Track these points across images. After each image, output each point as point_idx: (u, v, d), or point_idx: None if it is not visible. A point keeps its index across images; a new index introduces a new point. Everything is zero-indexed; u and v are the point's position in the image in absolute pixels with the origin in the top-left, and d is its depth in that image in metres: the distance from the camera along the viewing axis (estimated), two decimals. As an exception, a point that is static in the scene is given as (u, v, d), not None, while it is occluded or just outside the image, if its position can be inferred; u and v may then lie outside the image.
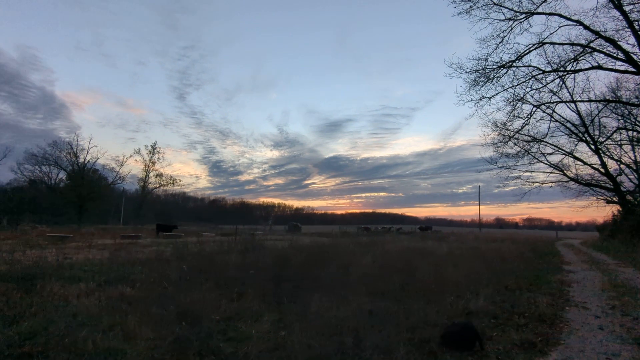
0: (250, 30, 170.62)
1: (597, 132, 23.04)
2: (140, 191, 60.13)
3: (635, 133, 22.79)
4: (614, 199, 26.41)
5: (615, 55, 14.44)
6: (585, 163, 24.02)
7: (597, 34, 14.34)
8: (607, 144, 23.54)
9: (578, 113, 22.57)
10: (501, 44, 15.23)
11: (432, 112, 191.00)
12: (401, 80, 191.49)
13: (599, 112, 22.12)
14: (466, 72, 16.17)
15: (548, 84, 16.91)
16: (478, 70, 15.91)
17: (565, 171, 24.63)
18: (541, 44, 15.37)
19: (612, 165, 24.26)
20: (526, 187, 24.79)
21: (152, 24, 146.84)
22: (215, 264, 9.17)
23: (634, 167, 24.64)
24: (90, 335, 3.91)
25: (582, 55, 15.09)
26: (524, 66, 16.12)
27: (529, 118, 19.12)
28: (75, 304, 5.46)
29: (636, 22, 13.61)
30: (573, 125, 23.12)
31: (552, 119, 21.48)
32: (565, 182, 25.20)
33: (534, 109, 18.81)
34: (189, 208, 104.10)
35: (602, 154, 23.26)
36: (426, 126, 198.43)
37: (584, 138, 23.10)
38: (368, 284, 7.46)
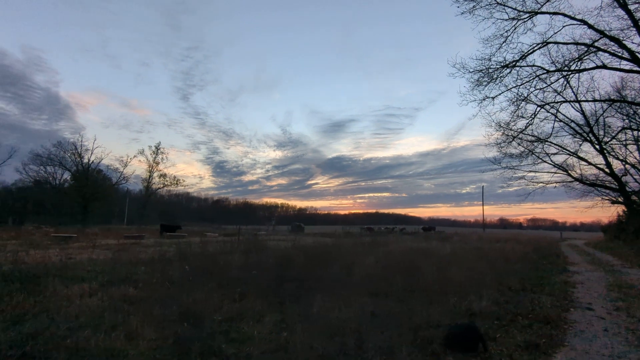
0: (253, 30, 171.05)
1: (601, 132, 22.87)
2: (144, 191, 60.24)
3: (640, 133, 22.66)
4: (619, 199, 26.24)
5: (620, 54, 14.33)
6: (589, 163, 23.87)
7: (602, 33, 14.24)
8: (612, 144, 23.37)
9: (582, 113, 22.43)
10: (505, 43, 15.16)
11: (436, 112, 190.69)
12: (404, 80, 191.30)
13: (604, 111, 21.95)
14: (469, 72, 16.11)
15: (552, 83, 16.82)
16: (481, 70, 15.85)
17: (569, 171, 24.47)
18: (545, 43, 15.29)
19: (617, 165, 24.09)
20: (530, 187, 24.65)
21: (156, 25, 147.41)
22: (218, 265, 9.17)
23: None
24: (92, 336, 3.92)
25: (587, 55, 14.98)
26: (527, 66, 16.04)
27: (533, 118, 19.01)
28: (78, 304, 5.46)
29: (641, 21, 13.52)
30: (577, 125, 22.98)
31: (557, 119, 21.32)
32: (570, 182, 25.03)
33: (538, 108, 18.71)
34: (192, 208, 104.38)
35: (606, 154, 23.09)
36: (429, 126, 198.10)
37: (588, 138, 22.94)
38: (371, 285, 7.44)
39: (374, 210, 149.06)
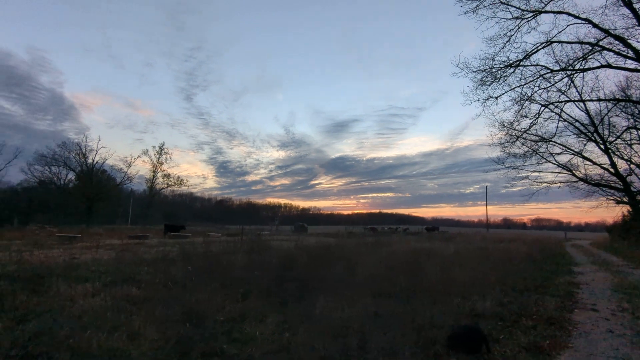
0: (255, 30, 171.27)
1: (606, 132, 22.69)
2: (148, 191, 60.44)
3: (645, 132, 22.47)
4: (624, 199, 26.03)
5: (625, 53, 14.21)
6: (594, 163, 23.67)
7: (607, 32, 14.13)
8: (616, 143, 23.17)
9: (587, 112, 22.27)
10: (508, 43, 15.06)
11: (439, 112, 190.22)
12: (407, 80, 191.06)
13: (609, 111, 21.78)
14: (473, 71, 16.00)
15: (556, 83, 16.67)
16: (485, 70, 15.74)
17: (574, 171, 24.28)
18: (549, 42, 15.18)
19: (622, 165, 23.88)
20: (534, 187, 24.44)
21: (159, 25, 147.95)
22: (221, 265, 9.17)
23: (645, 167, 24.27)
24: (94, 336, 3.92)
25: (591, 54, 14.86)
26: (531, 65, 15.92)
27: (537, 118, 18.85)
28: (81, 304, 5.47)
29: (646, 20, 13.41)
30: (582, 124, 22.81)
31: (561, 119, 21.18)
32: (574, 182, 24.83)
33: (542, 108, 18.55)
34: (196, 208, 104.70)
35: (611, 154, 22.91)
36: (433, 126, 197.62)
37: (593, 138, 22.78)
38: (374, 285, 7.42)
39: (377, 211, 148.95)
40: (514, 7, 14.53)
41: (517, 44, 15.76)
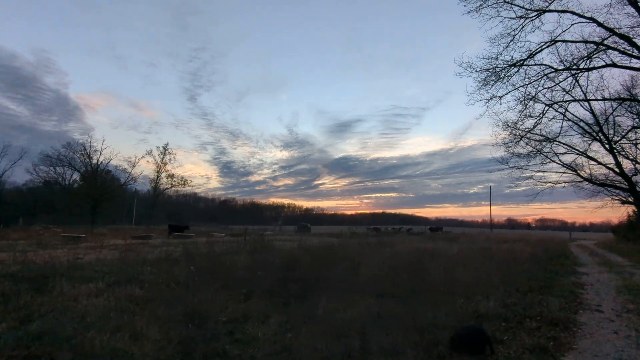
0: (258, 30, 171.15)
1: (611, 131, 22.56)
2: (152, 192, 60.61)
3: (651, 132, 22.31)
4: (629, 199, 25.88)
5: (630, 52, 14.13)
6: (599, 163, 23.55)
7: (611, 31, 14.05)
8: (621, 143, 23.03)
9: (592, 112, 22.13)
10: (512, 42, 15.03)
11: (443, 111, 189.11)
12: (411, 80, 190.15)
13: (614, 110, 21.64)
14: (476, 71, 15.99)
15: (560, 82, 16.64)
16: (488, 69, 15.72)
17: (578, 171, 24.17)
18: (553, 42, 15.12)
19: (627, 165, 23.74)
20: (538, 187, 24.37)
21: (163, 26, 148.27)
22: (224, 265, 9.18)
23: (650, 167, 24.11)
24: (97, 336, 3.93)
25: (596, 53, 14.80)
26: (535, 65, 15.89)
27: (541, 117, 18.83)
28: (84, 304, 5.49)
29: (652, 19, 13.33)
30: (586, 124, 22.68)
31: (565, 118, 21.07)
32: (579, 182, 24.73)
33: (546, 108, 18.52)
34: (200, 208, 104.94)
35: (616, 154, 22.77)
36: (436, 126, 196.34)
37: (597, 137, 22.64)
38: (377, 285, 7.39)
39: (380, 211, 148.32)
40: (518, 6, 14.50)
41: (521, 43, 15.65)
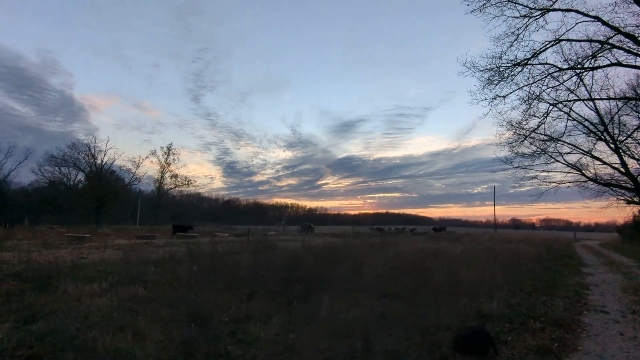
0: (261, 30, 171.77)
1: (616, 131, 22.35)
2: (156, 192, 60.78)
3: (656, 131, 22.09)
4: (635, 199, 25.66)
5: (635, 51, 13.99)
6: (604, 162, 23.34)
7: (617, 29, 13.92)
8: (627, 142, 22.81)
9: (596, 111, 21.94)
10: (516, 41, 14.89)
11: (446, 111, 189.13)
12: (414, 80, 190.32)
13: (619, 110, 21.44)
14: (480, 70, 15.86)
15: (565, 81, 16.49)
16: (492, 69, 15.59)
17: (583, 171, 23.96)
18: (557, 41, 14.99)
19: (632, 164, 23.52)
20: (543, 187, 24.15)
21: (166, 27, 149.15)
22: (227, 265, 9.19)
23: (656, 167, 23.89)
24: (100, 336, 3.94)
25: (601, 52, 14.66)
26: (539, 64, 15.75)
27: (545, 117, 18.65)
28: (88, 304, 5.51)
29: (658, 17, 13.20)
30: (591, 123, 22.49)
31: (570, 118, 20.88)
32: (584, 182, 24.51)
33: (551, 107, 18.35)
34: (203, 208, 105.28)
35: (622, 153, 22.55)
36: (440, 126, 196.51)
37: (602, 137, 22.45)
38: (380, 286, 7.37)
39: (384, 211, 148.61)
40: (522, 5, 14.38)
41: (524, 42, 15.50)
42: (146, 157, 61.61)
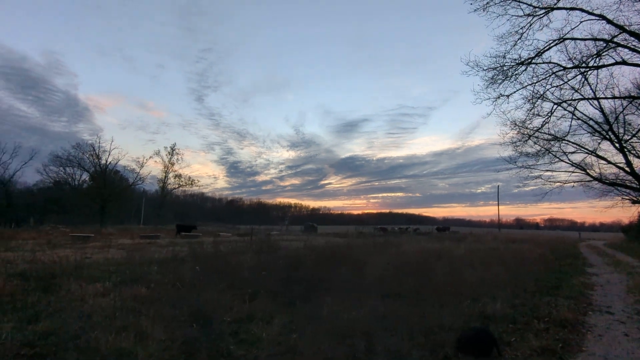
0: (265, 30, 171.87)
1: (621, 130, 22.16)
2: (159, 192, 60.97)
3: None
4: (640, 198, 25.50)
5: (640, 50, 13.91)
6: (609, 162, 23.15)
7: (622, 28, 13.82)
8: (632, 142, 22.62)
9: (601, 110, 21.77)
10: (520, 40, 14.81)
11: (450, 111, 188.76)
12: (417, 79, 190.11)
13: (624, 109, 21.25)
14: (483, 69, 15.78)
15: (569, 80, 16.40)
16: (496, 68, 15.52)
17: (588, 170, 23.79)
18: (562, 39, 14.90)
19: (637, 163, 23.28)
20: (547, 186, 23.99)
21: (170, 27, 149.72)
22: (230, 265, 9.20)
23: (661, 166, 23.69)
24: (102, 336, 3.94)
25: (605, 51, 14.56)
26: (543, 63, 15.66)
27: (550, 116, 18.55)
28: (91, 304, 5.53)
29: (663, 16, 13.10)
30: (596, 123, 22.32)
31: (574, 117, 20.73)
32: (588, 181, 24.32)
33: (555, 106, 18.25)
34: (207, 208, 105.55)
35: (627, 153, 22.37)
36: (443, 125, 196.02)
37: (607, 136, 22.28)
38: (382, 286, 7.36)
39: (387, 210, 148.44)
40: (526, 3, 14.30)
41: (528, 41, 15.41)
42: (150, 157, 61.58)
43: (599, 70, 16.55)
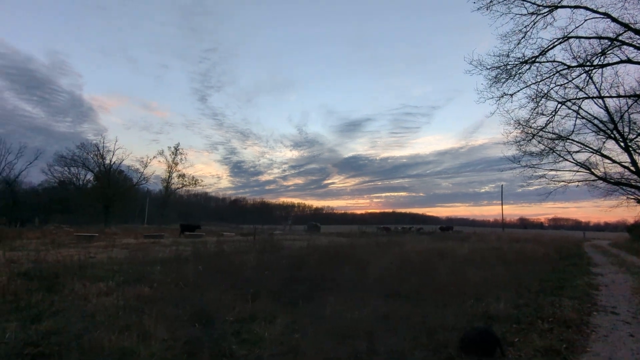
0: (267, 30, 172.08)
1: (626, 129, 21.99)
2: (163, 191, 61.24)
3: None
4: (645, 198, 25.32)
5: (646, 48, 13.79)
6: (614, 161, 22.98)
7: (627, 26, 13.71)
8: (637, 141, 22.44)
9: (606, 109, 21.63)
10: (523, 39, 14.71)
11: (453, 110, 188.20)
12: (421, 79, 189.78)
13: (629, 107, 21.10)
14: (487, 68, 15.69)
15: (574, 79, 16.27)
16: (499, 67, 15.42)
17: (592, 170, 23.62)
18: (566, 38, 14.80)
19: (643, 163, 23.19)
20: (551, 186, 23.85)
21: (174, 28, 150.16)
22: (233, 265, 9.21)
23: (667, 165, 23.51)
24: (105, 335, 3.95)
25: (610, 49, 14.44)
26: (547, 61, 15.56)
27: (554, 115, 18.41)
28: (94, 304, 5.55)
29: (669, 13, 13.01)
30: (601, 122, 22.16)
31: (579, 116, 20.57)
32: (593, 181, 24.16)
33: (559, 105, 18.12)
34: (210, 208, 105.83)
35: (632, 152, 22.22)
36: (447, 125, 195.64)
37: (612, 135, 22.12)
38: (385, 286, 7.33)
39: (390, 210, 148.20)
40: (530, 2, 14.20)
41: (532, 40, 15.31)
42: (154, 157, 62.12)
43: (604, 69, 16.43)
